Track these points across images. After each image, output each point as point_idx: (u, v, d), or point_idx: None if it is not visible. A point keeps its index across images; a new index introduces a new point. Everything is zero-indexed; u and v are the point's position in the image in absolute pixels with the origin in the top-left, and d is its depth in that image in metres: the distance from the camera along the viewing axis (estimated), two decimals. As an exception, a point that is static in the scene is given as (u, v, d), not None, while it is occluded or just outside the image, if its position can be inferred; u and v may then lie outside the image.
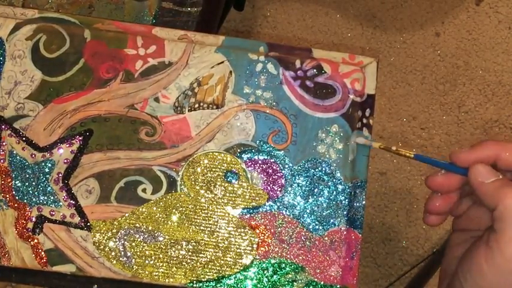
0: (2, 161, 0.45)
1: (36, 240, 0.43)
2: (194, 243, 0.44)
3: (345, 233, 0.44)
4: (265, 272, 0.43)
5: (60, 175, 0.44)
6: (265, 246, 0.44)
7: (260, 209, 0.44)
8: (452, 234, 0.44)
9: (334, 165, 0.45)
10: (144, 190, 0.45)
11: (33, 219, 0.44)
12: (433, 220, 0.43)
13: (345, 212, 0.45)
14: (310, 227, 0.44)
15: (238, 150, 0.45)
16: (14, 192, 0.44)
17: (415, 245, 1.18)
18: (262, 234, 0.44)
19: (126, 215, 0.44)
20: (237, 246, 0.44)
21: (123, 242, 0.44)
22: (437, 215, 0.43)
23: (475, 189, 0.38)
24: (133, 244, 0.44)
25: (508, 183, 0.37)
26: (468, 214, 0.42)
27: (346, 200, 0.45)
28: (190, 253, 0.44)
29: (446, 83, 1.28)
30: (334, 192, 0.45)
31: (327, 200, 0.45)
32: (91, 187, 0.44)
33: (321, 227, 0.44)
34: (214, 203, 0.44)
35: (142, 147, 0.45)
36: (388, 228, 1.19)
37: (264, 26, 1.31)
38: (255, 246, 0.44)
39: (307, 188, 0.45)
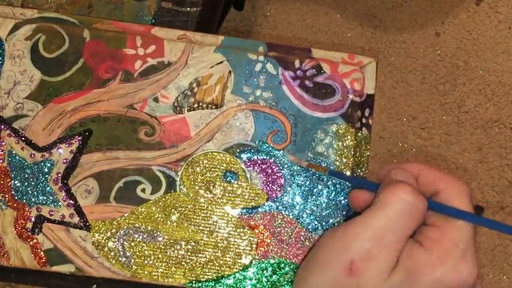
0: (1, 161, 0.45)
1: (35, 240, 0.43)
2: (193, 243, 0.44)
3: (344, 233, 0.44)
4: (265, 272, 0.43)
5: (59, 175, 0.44)
6: (265, 246, 0.44)
7: (259, 209, 0.44)
8: None
9: (334, 165, 0.45)
10: (143, 190, 0.44)
11: (33, 219, 0.44)
12: None
13: (344, 212, 0.45)
14: (310, 227, 0.44)
15: (238, 150, 0.45)
16: (13, 192, 0.44)
17: (415, 245, 1.17)
18: (262, 234, 0.44)
19: (125, 214, 0.44)
20: (236, 246, 0.44)
21: (122, 242, 0.44)
22: None
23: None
24: (133, 244, 0.44)
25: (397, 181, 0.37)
26: None
27: (346, 200, 0.45)
28: (189, 253, 0.44)
29: (446, 83, 1.28)
30: (334, 192, 0.45)
31: (326, 200, 0.45)
32: (90, 187, 0.44)
33: (320, 227, 0.44)
34: (214, 203, 0.44)
35: (142, 147, 0.45)
36: (388, 228, 1.19)
37: (264, 26, 1.31)
38: (254, 246, 0.44)
39: (306, 188, 0.45)
